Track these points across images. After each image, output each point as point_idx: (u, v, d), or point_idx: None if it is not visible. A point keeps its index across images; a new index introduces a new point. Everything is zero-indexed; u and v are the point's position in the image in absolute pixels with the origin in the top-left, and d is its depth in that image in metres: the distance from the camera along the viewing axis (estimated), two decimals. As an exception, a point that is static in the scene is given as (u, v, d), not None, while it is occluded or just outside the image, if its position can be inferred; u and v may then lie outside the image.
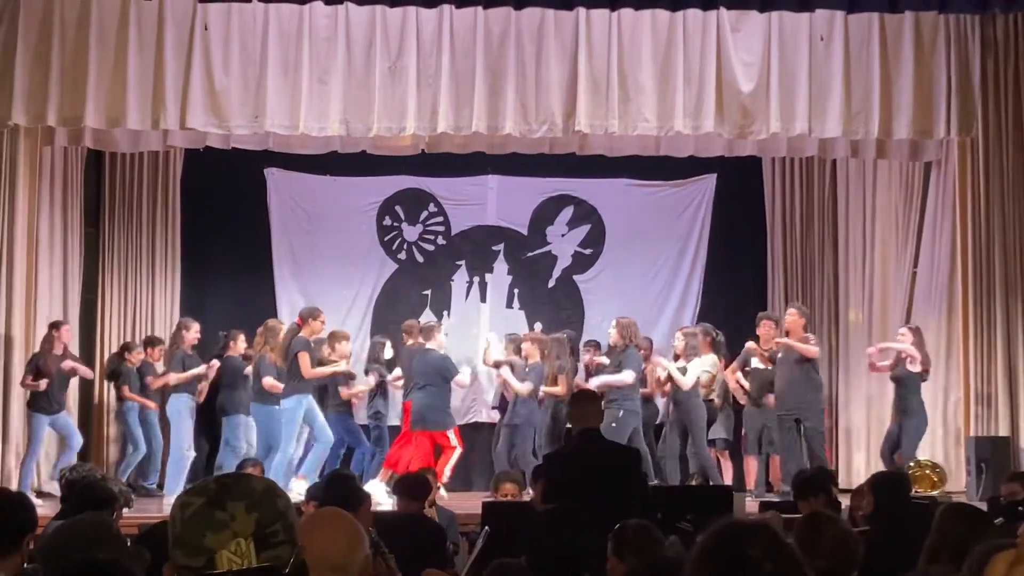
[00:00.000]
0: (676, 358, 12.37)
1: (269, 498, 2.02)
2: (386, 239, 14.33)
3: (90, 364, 12.97)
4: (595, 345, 13.25)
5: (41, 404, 11.57)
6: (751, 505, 10.19)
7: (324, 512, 2.88)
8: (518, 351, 12.67)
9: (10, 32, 10.97)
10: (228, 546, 1.96)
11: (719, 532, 2.38)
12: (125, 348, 12.68)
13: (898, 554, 5.21)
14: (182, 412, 12.20)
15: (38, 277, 12.17)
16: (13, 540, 3.66)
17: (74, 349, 12.27)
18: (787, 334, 11.83)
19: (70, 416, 12.10)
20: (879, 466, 12.02)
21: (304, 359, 11.45)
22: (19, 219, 11.64)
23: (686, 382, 11.97)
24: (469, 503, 9.74)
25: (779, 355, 11.82)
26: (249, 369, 12.04)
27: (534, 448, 12.23)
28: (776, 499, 10.59)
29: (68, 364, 11.77)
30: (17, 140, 11.55)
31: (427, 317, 13.81)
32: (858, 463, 13.29)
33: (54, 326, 11.73)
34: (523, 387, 12.17)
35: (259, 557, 1.97)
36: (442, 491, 11.19)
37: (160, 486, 12.29)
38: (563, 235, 14.57)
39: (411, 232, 14.38)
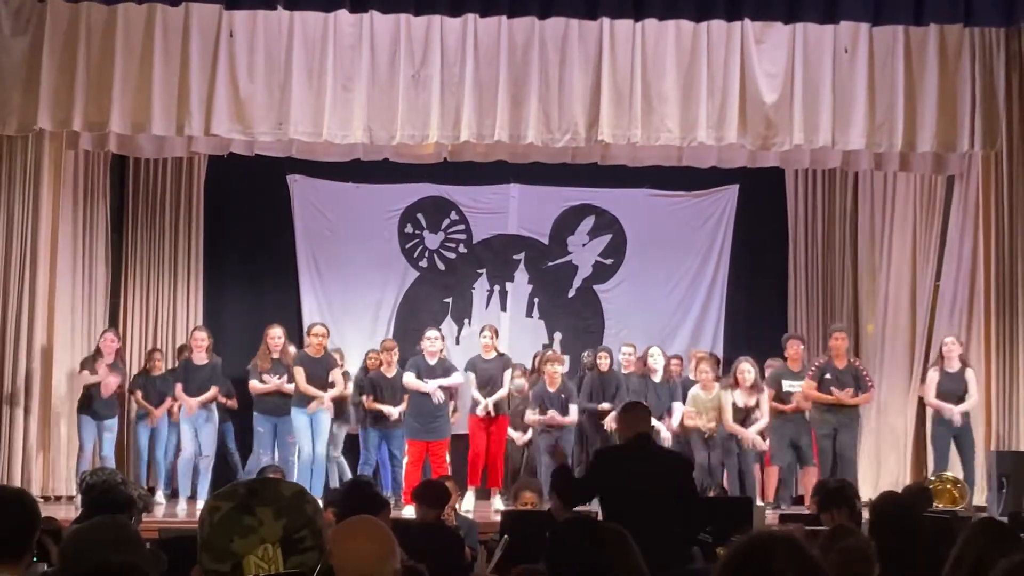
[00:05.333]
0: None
1: (298, 504, 2.02)
2: (408, 247, 14.36)
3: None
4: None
5: None
6: (771, 517, 10.16)
7: (358, 520, 2.87)
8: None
9: (36, 37, 11.01)
10: (255, 551, 1.96)
11: (746, 544, 2.37)
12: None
13: (910, 569, 5.19)
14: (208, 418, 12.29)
15: (61, 281, 12.21)
16: (19, 540, 3.57)
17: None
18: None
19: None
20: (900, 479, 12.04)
21: (298, 374, 11.59)
22: (43, 223, 11.69)
23: None
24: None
25: None
26: None
27: None
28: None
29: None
30: (42, 144, 11.60)
31: (448, 325, 13.87)
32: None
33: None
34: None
35: (286, 563, 1.97)
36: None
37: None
38: (584, 245, 14.57)
39: (432, 240, 14.41)
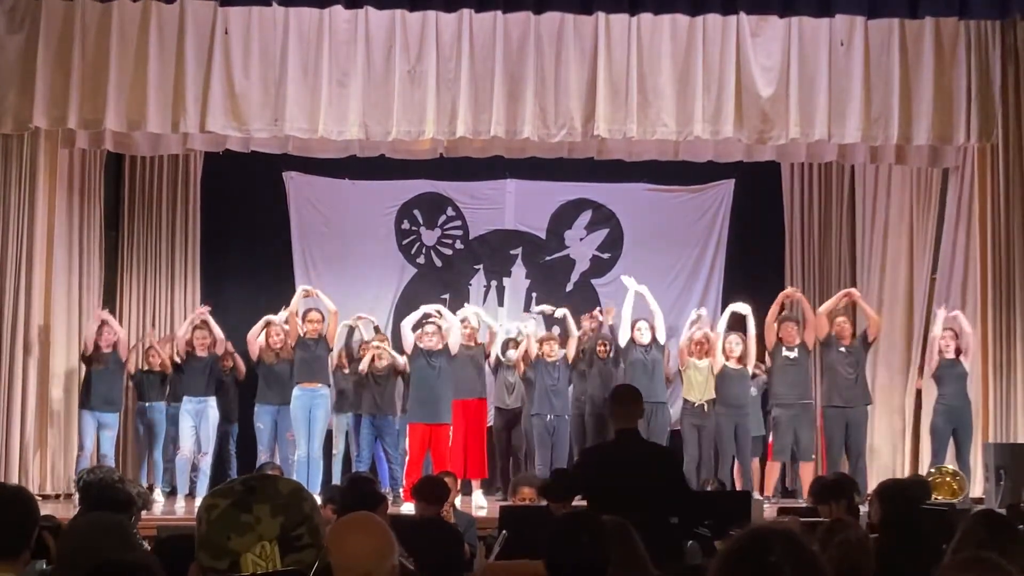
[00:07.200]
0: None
1: (295, 501, 2.02)
2: (404, 243, 14.36)
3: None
4: None
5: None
6: (768, 510, 10.17)
7: (356, 517, 2.88)
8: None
9: (31, 35, 11.01)
10: (253, 549, 1.96)
11: (743, 538, 2.37)
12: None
13: (909, 562, 5.19)
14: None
15: (57, 280, 12.21)
16: (18, 537, 3.55)
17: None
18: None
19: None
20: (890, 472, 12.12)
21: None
22: (38, 221, 11.68)
23: None
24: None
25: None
26: None
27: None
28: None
29: None
30: (37, 143, 11.60)
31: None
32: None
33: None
34: None
35: (283, 560, 1.97)
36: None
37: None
38: (581, 239, 14.57)
39: (429, 236, 14.40)
